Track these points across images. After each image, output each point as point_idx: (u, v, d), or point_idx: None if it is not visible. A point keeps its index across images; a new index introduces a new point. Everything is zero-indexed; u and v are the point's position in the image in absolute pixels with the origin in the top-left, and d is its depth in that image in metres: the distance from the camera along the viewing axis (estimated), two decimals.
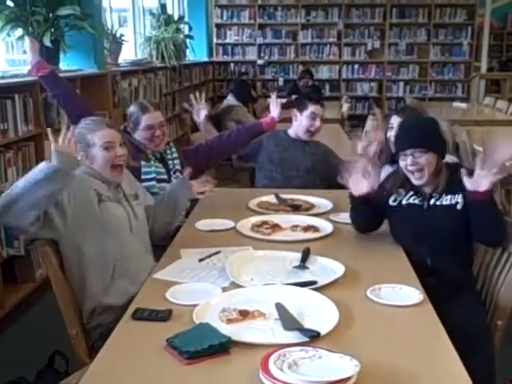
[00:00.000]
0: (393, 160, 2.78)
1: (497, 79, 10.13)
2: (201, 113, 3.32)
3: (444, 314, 1.78)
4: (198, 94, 3.38)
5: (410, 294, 1.89)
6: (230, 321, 1.69)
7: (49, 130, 2.05)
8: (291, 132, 3.52)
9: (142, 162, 2.77)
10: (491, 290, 2.31)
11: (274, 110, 3.19)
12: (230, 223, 2.60)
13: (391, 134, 2.85)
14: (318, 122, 3.44)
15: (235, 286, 1.96)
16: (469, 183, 2.14)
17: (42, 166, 1.95)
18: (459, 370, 1.48)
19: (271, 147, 3.47)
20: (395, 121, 2.86)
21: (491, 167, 2.09)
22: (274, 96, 3.31)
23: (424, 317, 1.78)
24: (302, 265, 2.12)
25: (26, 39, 3.11)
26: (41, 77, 3.07)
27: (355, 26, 9.64)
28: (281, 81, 9.82)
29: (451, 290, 2.22)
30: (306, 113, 3.42)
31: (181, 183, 2.53)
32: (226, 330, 1.62)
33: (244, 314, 1.72)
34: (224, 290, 1.93)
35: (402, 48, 9.65)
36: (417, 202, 2.33)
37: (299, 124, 3.46)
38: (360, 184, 2.35)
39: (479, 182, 2.11)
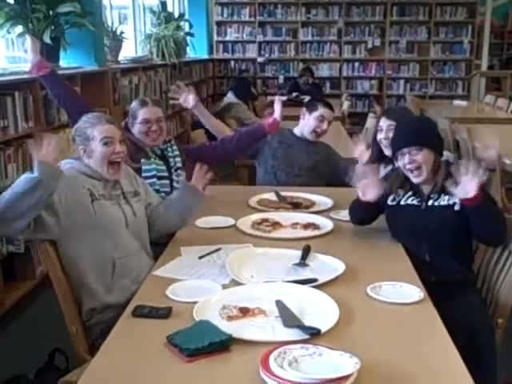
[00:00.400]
0: (387, 160, 2.78)
1: (497, 77, 10.12)
2: (189, 98, 3.22)
3: (445, 311, 1.78)
4: (175, 84, 3.30)
5: (411, 291, 1.89)
6: (230, 318, 1.69)
7: (29, 142, 2.03)
8: (297, 131, 3.52)
9: (142, 160, 2.76)
10: (492, 288, 2.31)
11: (277, 111, 3.19)
12: (230, 221, 2.60)
13: (381, 136, 2.84)
14: (325, 125, 3.44)
15: (235, 283, 1.96)
16: (458, 192, 2.16)
17: (24, 177, 1.93)
18: (460, 368, 1.48)
19: (275, 144, 3.47)
20: (384, 123, 2.81)
21: (475, 171, 2.10)
22: (277, 97, 3.33)
23: (424, 314, 1.77)
24: (303, 262, 2.12)
25: (28, 38, 3.10)
26: (41, 76, 3.06)
27: (355, 23, 9.62)
28: (281, 78, 9.81)
29: (452, 288, 2.21)
30: (315, 114, 3.42)
31: (191, 192, 2.43)
32: (226, 327, 1.62)
33: (244, 312, 1.72)
34: (224, 287, 1.93)
35: (403, 46, 9.64)
36: (415, 202, 2.33)
37: (306, 123, 3.46)
38: (369, 190, 2.36)
39: (466, 188, 2.13)
